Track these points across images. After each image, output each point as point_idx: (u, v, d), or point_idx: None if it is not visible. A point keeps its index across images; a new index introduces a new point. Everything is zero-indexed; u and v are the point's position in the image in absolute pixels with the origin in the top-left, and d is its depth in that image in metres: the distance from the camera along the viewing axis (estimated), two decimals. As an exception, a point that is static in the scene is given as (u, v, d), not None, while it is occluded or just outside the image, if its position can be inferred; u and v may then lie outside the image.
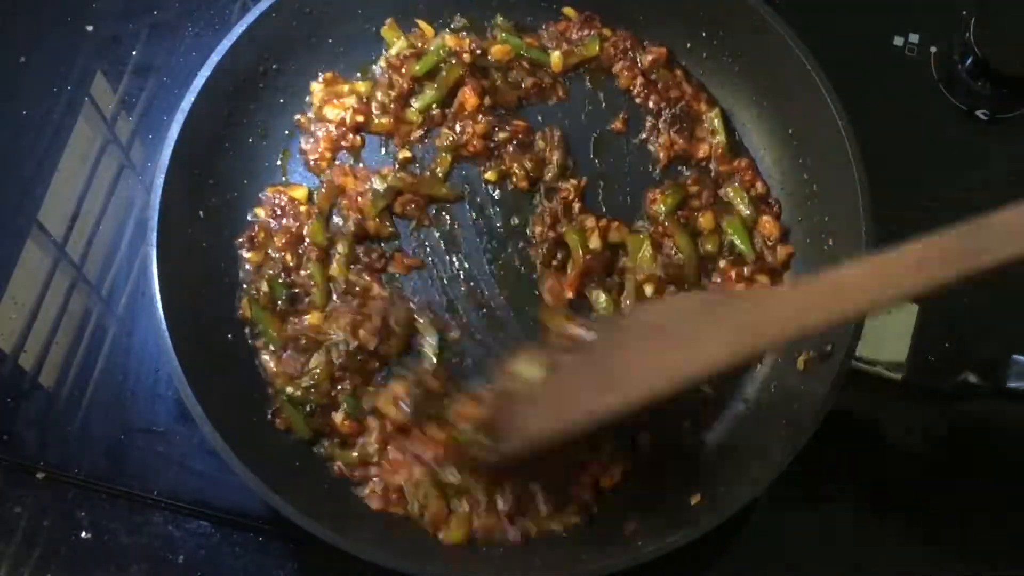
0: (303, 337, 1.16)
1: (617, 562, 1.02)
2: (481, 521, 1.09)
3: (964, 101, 1.33)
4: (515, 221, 1.24)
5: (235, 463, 1.03)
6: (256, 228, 1.21)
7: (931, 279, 0.86)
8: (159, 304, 1.09)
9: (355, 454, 1.13)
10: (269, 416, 1.14)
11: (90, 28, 1.42)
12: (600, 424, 0.97)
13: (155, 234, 1.11)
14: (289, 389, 1.14)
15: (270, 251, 1.20)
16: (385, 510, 1.11)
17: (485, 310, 1.21)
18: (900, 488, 1.20)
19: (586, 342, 1.01)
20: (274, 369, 1.16)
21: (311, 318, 1.17)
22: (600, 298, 1.18)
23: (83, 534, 1.18)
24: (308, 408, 1.14)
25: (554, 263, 1.21)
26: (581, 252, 1.19)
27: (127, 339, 1.26)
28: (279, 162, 1.26)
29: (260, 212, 1.22)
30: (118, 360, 1.25)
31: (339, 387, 1.15)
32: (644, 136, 1.27)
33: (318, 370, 1.15)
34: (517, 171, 1.24)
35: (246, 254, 1.20)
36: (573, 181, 1.23)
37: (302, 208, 1.22)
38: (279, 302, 1.18)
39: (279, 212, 1.22)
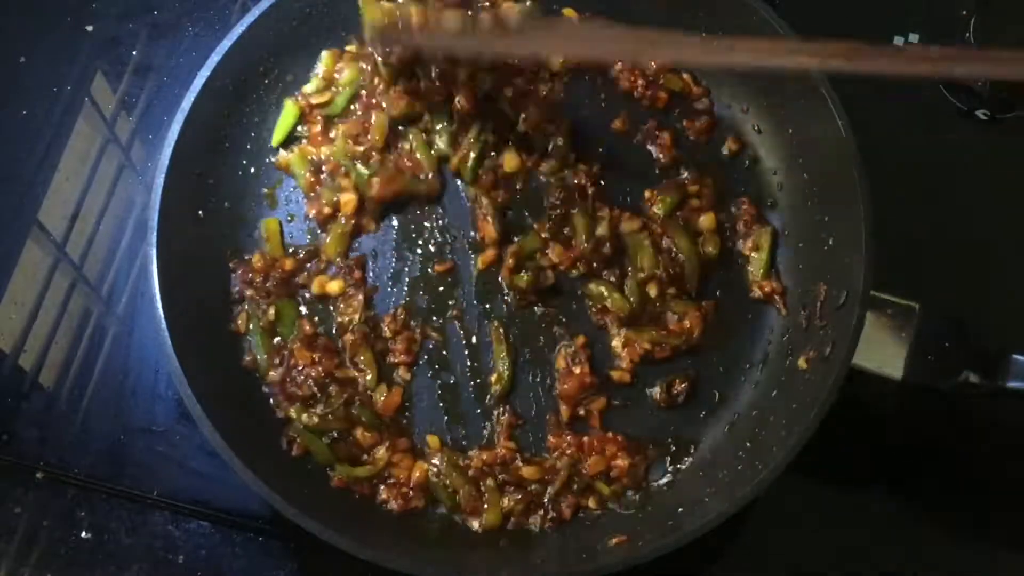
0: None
1: (617, 562, 1.02)
2: (512, 502, 1.11)
3: (964, 101, 1.33)
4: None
5: (235, 463, 1.03)
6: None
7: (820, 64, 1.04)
8: (159, 304, 1.09)
9: (365, 469, 1.12)
10: (284, 445, 1.13)
11: (90, 28, 1.42)
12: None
13: (155, 234, 1.11)
14: (304, 418, 1.14)
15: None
16: (406, 509, 1.11)
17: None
18: (900, 488, 1.20)
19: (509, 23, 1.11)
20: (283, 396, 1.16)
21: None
22: (600, 291, 1.18)
23: (83, 534, 1.18)
24: (329, 437, 1.14)
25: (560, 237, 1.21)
26: (585, 237, 1.19)
27: (127, 339, 1.27)
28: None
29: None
30: (118, 360, 1.25)
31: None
32: (644, 136, 1.26)
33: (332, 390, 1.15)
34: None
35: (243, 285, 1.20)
36: (584, 166, 1.23)
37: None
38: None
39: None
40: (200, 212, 1.19)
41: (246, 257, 1.20)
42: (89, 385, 1.24)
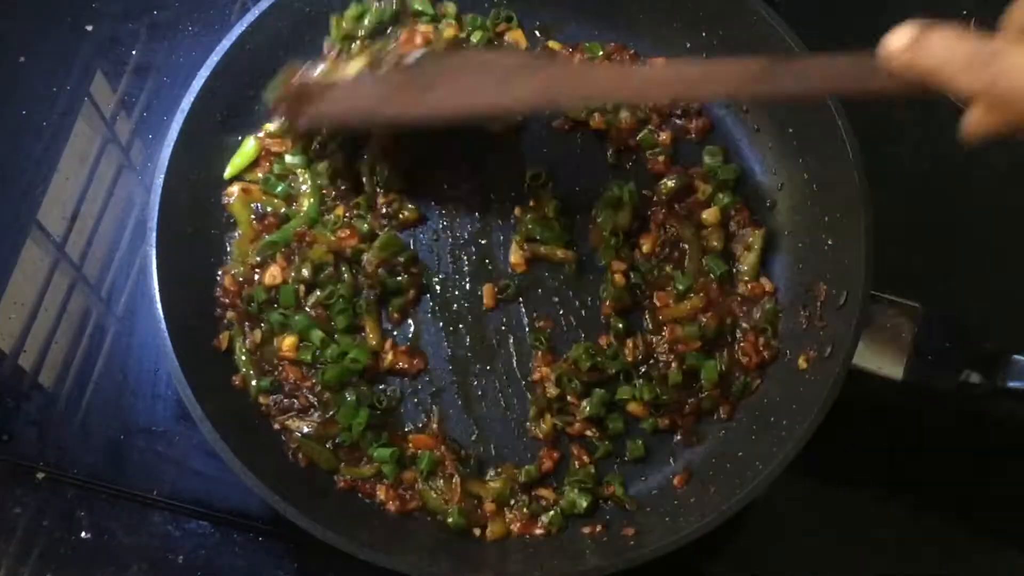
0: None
1: (617, 562, 1.02)
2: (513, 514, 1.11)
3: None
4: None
5: (235, 463, 1.03)
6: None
7: (734, 92, 1.08)
8: (159, 304, 1.09)
9: (371, 468, 1.12)
10: (290, 457, 1.12)
11: (90, 28, 1.42)
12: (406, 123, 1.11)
13: (155, 234, 1.11)
14: (304, 427, 1.13)
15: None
16: (403, 511, 1.11)
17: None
18: (900, 488, 1.20)
19: (409, 62, 1.10)
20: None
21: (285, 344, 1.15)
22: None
23: (83, 534, 1.18)
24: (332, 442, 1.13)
25: None
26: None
27: (127, 339, 1.27)
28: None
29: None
30: (118, 360, 1.25)
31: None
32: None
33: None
34: None
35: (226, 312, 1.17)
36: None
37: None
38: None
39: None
40: (200, 212, 1.19)
41: (218, 275, 1.18)
42: (89, 385, 1.24)
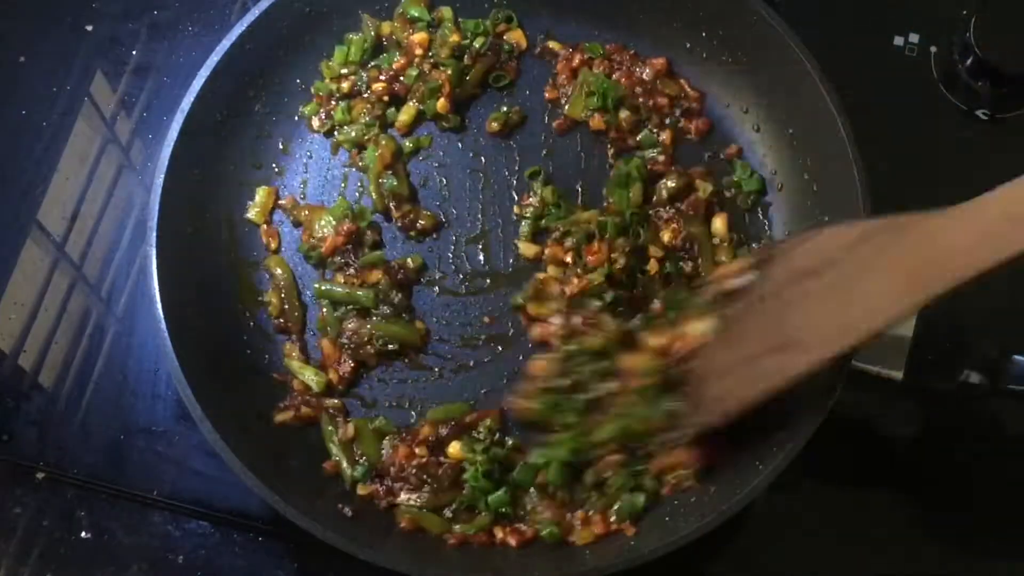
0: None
1: (617, 562, 1.02)
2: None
3: (964, 101, 1.33)
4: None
5: (235, 463, 1.03)
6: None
7: None
8: (159, 304, 1.09)
9: (482, 518, 1.10)
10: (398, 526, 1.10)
11: (90, 28, 1.42)
12: (787, 388, 0.96)
13: (155, 234, 1.11)
14: (415, 500, 1.11)
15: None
16: (523, 542, 1.09)
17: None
18: (900, 488, 1.20)
19: (744, 289, 1.01)
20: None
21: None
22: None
23: (83, 534, 1.18)
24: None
25: None
26: None
27: (127, 339, 1.27)
28: (280, 162, 1.27)
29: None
30: (118, 360, 1.25)
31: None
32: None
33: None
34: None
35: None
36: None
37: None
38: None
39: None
40: (200, 212, 1.19)
41: (291, 388, 1.17)
42: (89, 385, 1.24)
